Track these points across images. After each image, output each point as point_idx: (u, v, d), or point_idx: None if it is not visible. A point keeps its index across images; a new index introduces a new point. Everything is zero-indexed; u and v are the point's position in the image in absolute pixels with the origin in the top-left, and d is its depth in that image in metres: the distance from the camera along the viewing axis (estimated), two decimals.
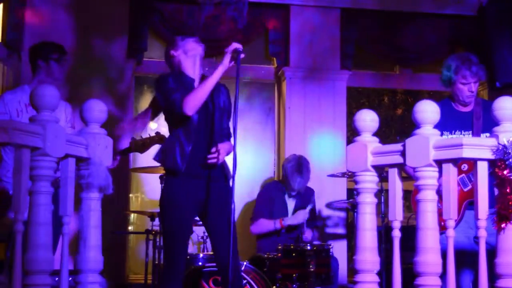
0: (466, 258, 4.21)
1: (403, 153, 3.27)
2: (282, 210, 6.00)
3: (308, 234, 5.79)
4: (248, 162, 7.29)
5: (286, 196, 6.08)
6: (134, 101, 7.31)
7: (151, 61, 7.34)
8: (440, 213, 3.21)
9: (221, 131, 4.18)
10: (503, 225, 3.10)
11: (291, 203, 6.07)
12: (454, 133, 4.53)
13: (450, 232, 3.18)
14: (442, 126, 4.31)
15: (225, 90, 4.30)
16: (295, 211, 5.96)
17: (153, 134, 5.49)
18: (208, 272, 5.01)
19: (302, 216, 5.80)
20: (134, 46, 7.06)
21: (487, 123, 4.34)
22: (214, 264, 4.72)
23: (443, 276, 3.19)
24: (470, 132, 4.52)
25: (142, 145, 5.21)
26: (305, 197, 6.05)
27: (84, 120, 3.49)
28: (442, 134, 4.34)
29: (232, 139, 4.09)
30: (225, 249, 3.87)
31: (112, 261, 4.44)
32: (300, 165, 6.03)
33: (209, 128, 4.12)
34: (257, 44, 7.48)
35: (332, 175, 6.41)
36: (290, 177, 5.99)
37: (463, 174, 4.45)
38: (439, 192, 3.24)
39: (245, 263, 5.08)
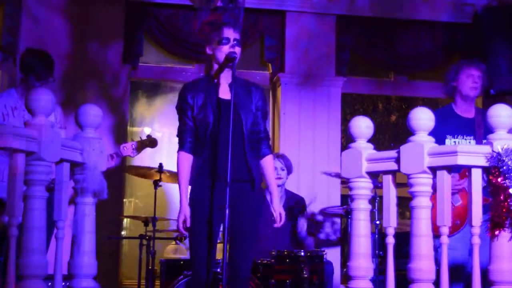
0: (463, 272, 4.24)
1: (397, 160, 3.28)
2: (267, 217, 5.92)
3: (302, 225, 5.73)
4: None
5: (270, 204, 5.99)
6: (129, 106, 7.30)
7: (146, 66, 7.34)
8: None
9: (255, 135, 4.03)
10: (496, 232, 3.11)
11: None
12: (457, 138, 4.59)
13: (444, 239, 3.19)
14: (445, 130, 4.44)
15: (257, 91, 4.09)
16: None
17: (144, 137, 5.50)
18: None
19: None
20: (129, 51, 7.06)
21: (488, 131, 4.40)
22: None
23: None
24: (472, 137, 4.58)
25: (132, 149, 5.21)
26: (294, 205, 5.97)
27: (79, 125, 3.49)
28: (445, 138, 4.45)
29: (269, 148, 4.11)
30: (239, 256, 3.87)
31: (105, 266, 4.42)
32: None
33: (237, 132, 3.89)
34: (252, 49, 7.49)
35: (326, 173, 6.31)
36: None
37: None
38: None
39: None
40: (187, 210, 3.90)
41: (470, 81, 4.67)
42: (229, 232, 3.80)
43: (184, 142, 3.99)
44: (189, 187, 4.05)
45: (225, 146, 3.83)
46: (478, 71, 4.69)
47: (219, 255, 4.43)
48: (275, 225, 4.06)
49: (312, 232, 6.12)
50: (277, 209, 4.05)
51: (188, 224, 3.88)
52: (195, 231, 3.92)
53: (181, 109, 4.04)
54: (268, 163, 4.11)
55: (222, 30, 4.00)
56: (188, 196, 4.01)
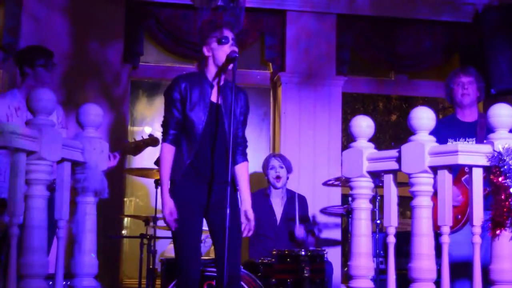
0: (468, 270, 4.24)
1: (398, 159, 3.28)
2: (269, 216, 5.95)
3: (300, 231, 5.75)
4: None
5: (273, 201, 6.03)
6: (130, 106, 7.31)
7: (147, 65, 7.34)
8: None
9: (235, 141, 4.03)
10: (497, 232, 3.11)
11: (278, 209, 6.02)
12: (459, 140, 4.62)
13: (445, 239, 3.19)
14: (446, 134, 4.54)
15: (244, 97, 4.14)
16: (288, 215, 5.93)
17: (146, 136, 5.50)
18: (205, 276, 4.98)
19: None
20: (130, 50, 7.06)
21: (490, 133, 4.45)
22: (212, 269, 4.72)
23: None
24: (474, 139, 4.61)
25: (135, 148, 5.21)
26: (293, 202, 5.98)
27: (80, 124, 3.49)
28: (447, 142, 4.48)
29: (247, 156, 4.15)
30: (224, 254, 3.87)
31: (106, 265, 4.43)
32: (269, 158, 6.05)
33: (220, 135, 3.96)
34: (253, 49, 7.49)
35: (326, 183, 6.34)
36: (267, 171, 6.01)
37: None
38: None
39: None
40: (171, 202, 3.91)
41: (460, 89, 4.77)
42: (213, 232, 3.95)
43: (168, 133, 4.01)
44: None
45: (213, 148, 3.92)
46: (467, 77, 4.78)
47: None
48: (244, 235, 4.04)
49: (312, 231, 6.13)
50: (249, 216, 4.04)
51: (175, 216, 3.88)
52: (186, 232, 3.93)
53: (172, 98, 4.02)
54: (241, 170, 4.12)
55: (222, 30, 4.01)
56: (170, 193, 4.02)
